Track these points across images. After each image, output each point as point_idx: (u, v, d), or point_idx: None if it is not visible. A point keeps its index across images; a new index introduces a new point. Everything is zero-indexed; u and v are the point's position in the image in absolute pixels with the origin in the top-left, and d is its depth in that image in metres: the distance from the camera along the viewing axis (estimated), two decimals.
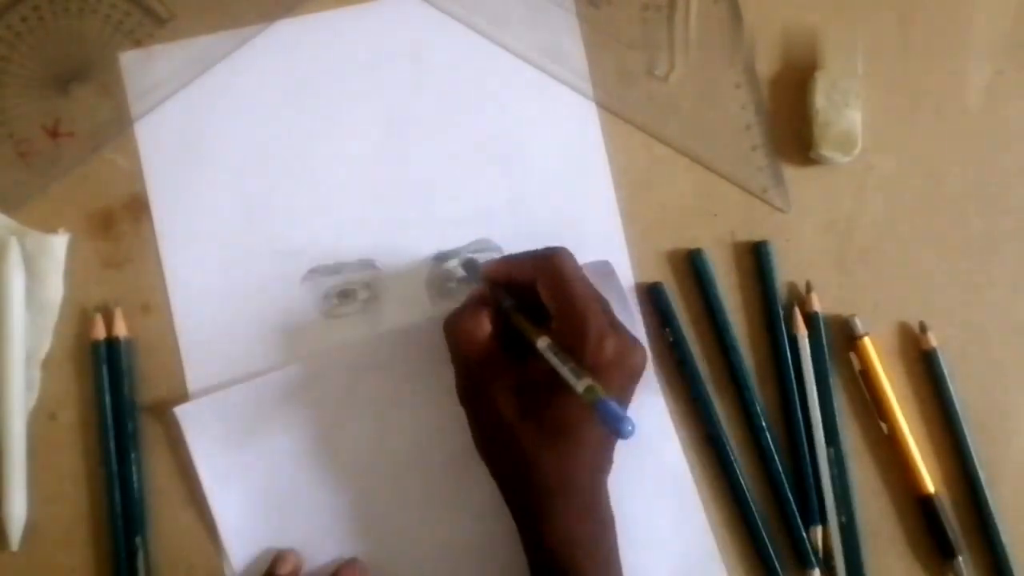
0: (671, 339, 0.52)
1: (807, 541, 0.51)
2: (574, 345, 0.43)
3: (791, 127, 0.54)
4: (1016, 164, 0.55)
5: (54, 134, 0.52)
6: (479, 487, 0.49)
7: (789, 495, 0.51)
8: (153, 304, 0.51)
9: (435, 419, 0.50)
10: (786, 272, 0.53)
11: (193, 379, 0.51)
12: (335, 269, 0.52)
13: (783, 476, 0.51)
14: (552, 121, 0.54)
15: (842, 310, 0.53)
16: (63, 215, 0.51)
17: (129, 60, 0.52)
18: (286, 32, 0.53)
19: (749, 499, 0.51)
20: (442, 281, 0.52)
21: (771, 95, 0.55)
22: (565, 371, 0.41)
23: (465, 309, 0.47)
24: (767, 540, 0.50)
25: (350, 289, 0.52)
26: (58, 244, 0.51)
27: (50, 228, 0.51)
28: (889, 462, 0.52)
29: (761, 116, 0.54)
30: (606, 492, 0.47)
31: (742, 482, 0.51)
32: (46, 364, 0.50)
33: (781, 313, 0.53)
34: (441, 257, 0.52)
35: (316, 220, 0.52)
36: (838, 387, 0.53)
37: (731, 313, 0.53)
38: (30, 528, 0.49)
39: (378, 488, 0.50)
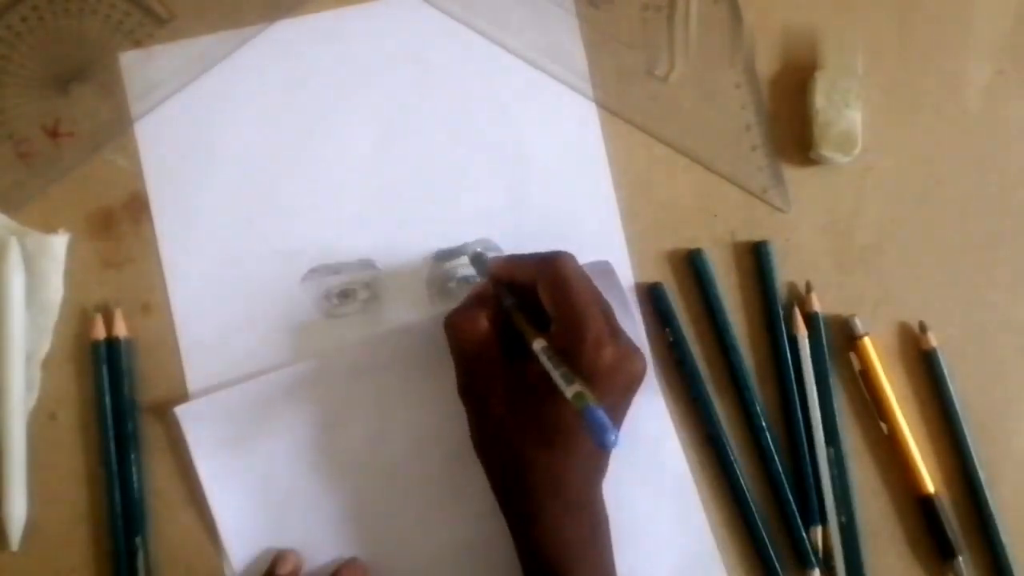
0: (671, 339, 0.52)
1: (807, 541, 0.51)
2: (571, 350, 0.43)
3: (791, 127, 0.54)
4: (1016, 164, 0.55)
5: (54, 134, 0.52)
6: (479, 487, 0.49)
7: (789, 495, 0.51)
8: (153, 304, 0.51)
9: (435, 419, 0.50)
10: (786, 272, 0.53)
11: (193, 379, 0.51)
12: (335, 269, 0.52)
13: (783, 476, 0.51)
14: (552, 121, 0.54)
15: (842, 310, 0.53)
16: (63, 215, 0.51)
17: (129, 60, 0.52)
18: (286, 32, 0.53)
19: (749, 499, 0.51)
20: (442, 281, 0.52)
21: (771, 95, 0.55)
22: (556, 375, 0.41)
23: (465, 306, 0.47)
24: (767, 540, 0.50)
25: (350, 289, 0.52)
26: (58, 244, 0.51)
27: (50, 228, 0.51)
28: (889, 462, 0.52)
29: (761, 116, 0.54)
30: (600, 494, 0.47)
31: (742, 482, 0.51)
32: (46, 364, 0.50)
33: (781, 313, 0.53)
34: (441, 257, 0.52)
35: (316, 220, 0.52)
36: (838, 387, 0.53)
37: (731, 313, 0.53)
38: (30, 528, 0.49)
39: (378, 488, 0.50)
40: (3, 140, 0.51)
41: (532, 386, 0.44)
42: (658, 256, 0.53)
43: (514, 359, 0.45)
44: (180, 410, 0.49)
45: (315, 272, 0.52)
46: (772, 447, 0.51)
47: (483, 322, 0.46)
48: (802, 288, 0.53)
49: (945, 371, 0.52)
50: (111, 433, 0.49)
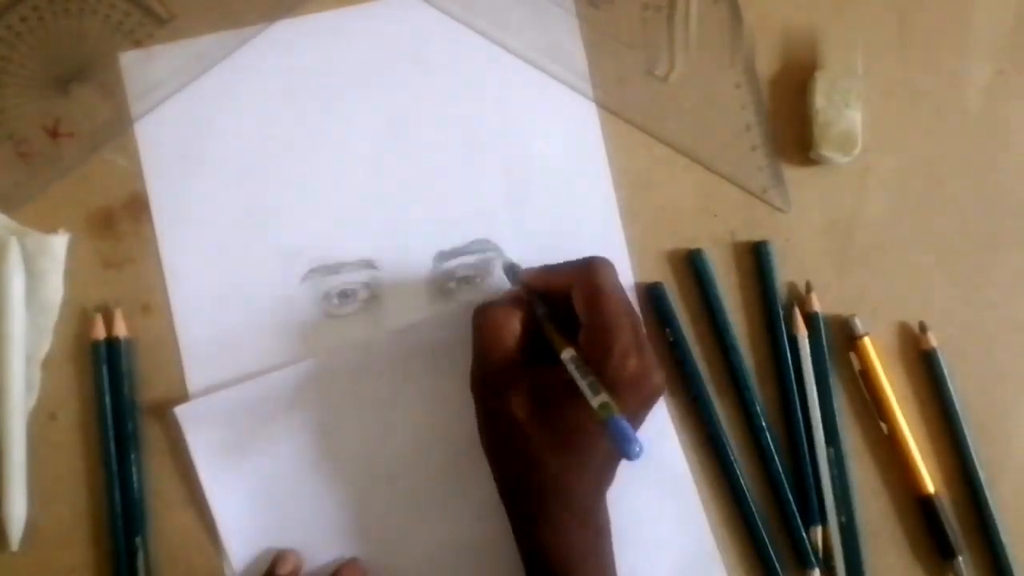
0: (671, 339, 0.52)
1: (807, 541, 0.51)
2: (598, 357, 0.43)
3: (791, 127, 0.54)
4: (1016, 164, 0.55)
5: (54, 134, 0.52)
6: (479, 487, 0.49)
7: (789, 495, 0.51)
8: (153, 304, 0.51)
9: (435, 419, 0.50)
10: (786, 272, 0.53)
11: (193, 379, 0.51)
12: (335, 269, 0.52)
13: (783, 476, 0.51)
14: (552, 121, 0.54)
15: (842, 310, 0.53)
16: (63, 215, 0.51)
17: (129, 60, 0.52)
18: (286, 32, 0.53)
19: (749, 499, 0.51)
20: (442, 281, 0.52)
21: (771, 95, 0.55)
22: (584, 385, 0.42)
23: (499, 304, 0.47)
24: (767, 540, 0.50)
25: (350, 289, 0.52)
26: (58, 244, 0.51)
27: (50, 228, 0.51)
28: (889, 462, 0.52)
29: (761, 116, 0.54)
30: (604, 503, 0.47)
31: (742, 482, 0.51)
32: (46, 364, 0.50)
33: (781, 313, 0.53)
34: (441, 257, 0.52)
35: (316, 220, 0.52)
36: (838, 387, 0.53)
37: (731, 313, 0.53)
38: (30, 528, 0.49)
39: (378, 488, 0.50)
40: (3, 140, 0.51)
41: (553, 391, 0.44)
42: (658, 256, 0.53)
43: (536, 362, 0.45)
44: (180, 410, 0.49)
45: (315, 272, 0.52)
46: (772, 447, 0.51)
47: (516, 323, 0.46)
48: (802, 288, 0.53)
49: (945, 371, 0.52)
50: (111, 433, 0.49)
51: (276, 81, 0.53)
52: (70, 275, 0.51)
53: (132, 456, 0.49)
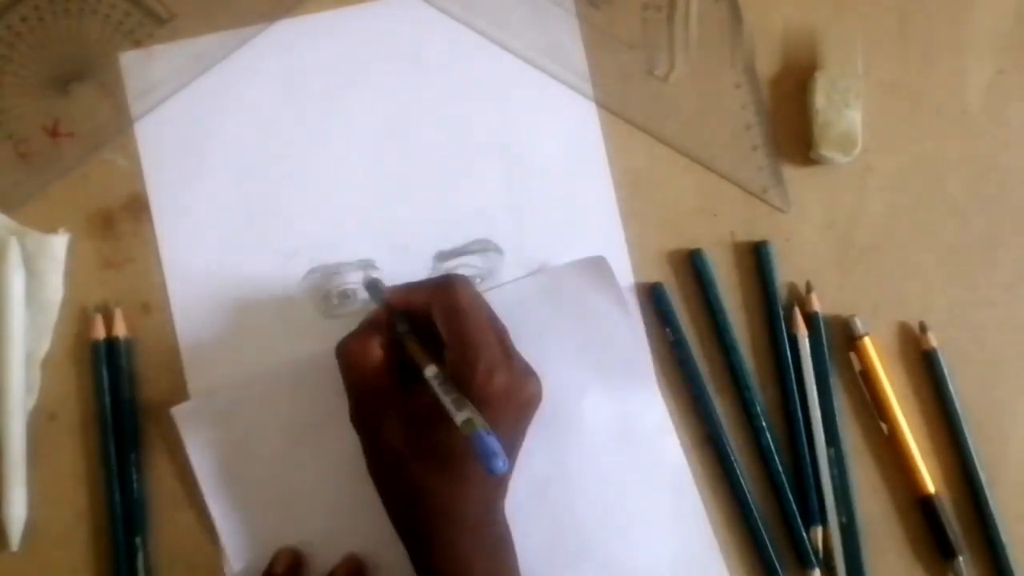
0: (671, 339, 0.52)
1: (807, 541, 0.51)
2: (464, 376, 0.43)
3: (791, 127, 0.54)
4: (1016, 164, 0.55)
5: (54, 134, 0.52)
6: None
7: (789, 495, 0.51)
8: (153, 304, 0.51)
9: None
10: (786, 272, 0.53)
11: (193, 379, 0.51)
12: (335, 269, 0.52)
13: (783, 476, 0.51)
14: (552, 121, 0.54)
15: (842, 310, 0.53)
16: (63, 215, 0.51)
17: (129, 60, 0.52)
18: (286, 32, 0.53)
19: (749, 499, 0.51)
20: None
21: (771, 95, 0.55)
22: (447, 402, 0.41)
23: (358, 333, 0.46)
24: (767, 540, 0.50)
25: (350, 289, 0.52)
26: (58, 244, 0.51)
27: (50, 228, 0.51)
28: (889, 462, 0.52)
29: (761, 116, 0.54)
30: (500, 514, 0.46)
31: (742, 482, 0.51)
32: (46, 364, 0.50)
33: (781, 313, 0.53)
34: (441, 257, 0.52)
35: (316, 220, 0.52)
36: (838, 387, 0.53)
37: (731, 313, 0.53)
38: (30, 528, 0.49)
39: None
40: (3, 140, 0.51)
41: (426, 414, 0.43)
42: (658, 256, 0.53)
43: (409, 387, 0.45)
44: (178, 410, 0.49)
45: (315, 272, 0.52)
46: (772, 447, 0.51)
47: (376, 350, 0.45)
48: (802, 288, 0.53)
49: (945, 371, 0.52)
50: (111, 433, 0.49)
51: (276, 81, 0.53)
52: (70, 275, 0.51)
53: (132, 456, 0.49)
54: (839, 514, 0.51)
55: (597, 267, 0.51)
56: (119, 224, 0.52)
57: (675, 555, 0.50)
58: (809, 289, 0.53)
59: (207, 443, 0.49)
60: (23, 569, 0.49)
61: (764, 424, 0.51)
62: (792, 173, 0.54)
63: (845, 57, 0.54)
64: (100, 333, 0.50)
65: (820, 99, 0.53)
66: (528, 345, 0.48)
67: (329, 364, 0.50)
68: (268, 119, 0.53)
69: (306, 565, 0.49)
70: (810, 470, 0.51)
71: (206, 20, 0.53)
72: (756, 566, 0.51)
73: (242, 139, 0.53)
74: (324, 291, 0.52)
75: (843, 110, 0.53)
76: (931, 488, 0.51)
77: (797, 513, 0.51)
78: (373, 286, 0.49)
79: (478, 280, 0.52)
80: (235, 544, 0.49)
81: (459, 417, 0.41)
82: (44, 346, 0.50)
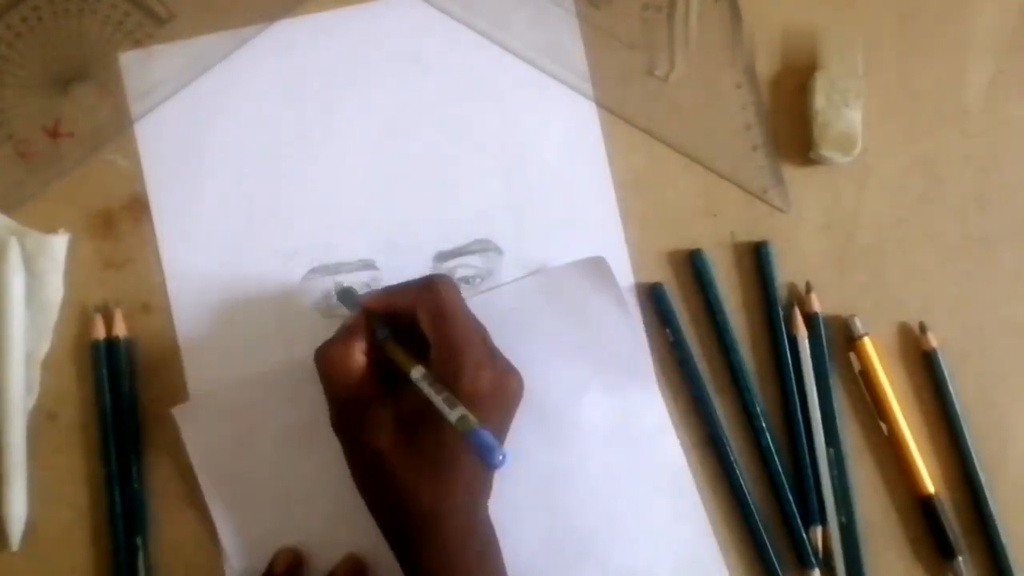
0: (671, 339, 0.52)
1: (807, 541, 0.51)
2: (451, 375, 0.43)
3: (791, 127, 0.54)
4: (1016, 164, 0.55)
5: (54, 134, 0.52)
6: None
7: (789, 495, 0.51)
8: (153, 304, 0.51)
9: None
10: (786, 272, 0.53)
11: (193, 379, 0.51)
12: (335, 269, 0.52)
13: (783, 476, 0.51)
14: (552, 121, 0.54)
15: (842, 310, 0.53)
16: (63, 215, 0.51)
17: (129, 60, 0.52)
18: (286, 32, 0.53)
19: (749, 499, 0.51)
20: None
21: (771, 95, 0.55)
22: (439, 401, 0.41)
23: (336, 340, 0.46)
24: (767, 540, 0.50)
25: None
26: (58, 244, 0.51)
27: (50, 228, 0.51)
28: (889, 462, 0.52)
29: (761, 116, 0.54)
30: (486, 515, 0.46)
31: (742, 482, 0.51)
32: (46, 364, 0.50)
33: (781, 313, 0.53)
34: (441, 257, 0.52)
35: (316, 220, 0.52)
36: (838, 387, 0.53)
37: (731, 313, 0.53)
38: (30, 528, 0.49)
39: None
40: (3, 140, 0.51)
41: (412, 415, 0.44)
42: (658, 256, 0.53)
43: (390, 391, 0.45)
44: (178, 410, 0.49)
45: (315, 272, 0.52)
46: (772, 447, 0.51)
47: (357, 355, 0.45)
48: (802, 288, 0.53)
49: (945, 371, 0.52)
50: (111, 433, 0.49)
51: (276, 81, 0.53)
52: (70, 275, 0.51)
53: (132, 456, 0.49)
54: (839, 514, 0.51)
55: (597, 267, 0.51)
56: (119, 224, 0.52)
57: (675, 555, 0.50)
58: (809, 289, 0.53)
59: (207, 443, 0.49)
60: (23, 569, 0.49)
61: (764, 424, 0.51)
62: (792, 173, 0.54)
63: (845, 57, 0.54)
64: (100, 333, 0.50)
65: (820, 99, 0.53)
66: (528, 345, 0.48)
67: None
68: (268, 119, 0.53)
69: (306, 565, 0.49)
70: (810, 470, 0.51)
71: (206, 20, 0.53)
72: (756, 566, 0.51)
73: (242, 139, 0.53)
74: (324, 291, 0.52)
75: (843, 110, 0.53)
76: (931, 488, 0.51)
77: (797, 513, 0.51)
78: (345, 294, 0.49)
79: (478, 280, 0.52)
80: (235, 544, 0.49)
81: (453, 415, 0.41)
82: (44, 346, 0.50)
